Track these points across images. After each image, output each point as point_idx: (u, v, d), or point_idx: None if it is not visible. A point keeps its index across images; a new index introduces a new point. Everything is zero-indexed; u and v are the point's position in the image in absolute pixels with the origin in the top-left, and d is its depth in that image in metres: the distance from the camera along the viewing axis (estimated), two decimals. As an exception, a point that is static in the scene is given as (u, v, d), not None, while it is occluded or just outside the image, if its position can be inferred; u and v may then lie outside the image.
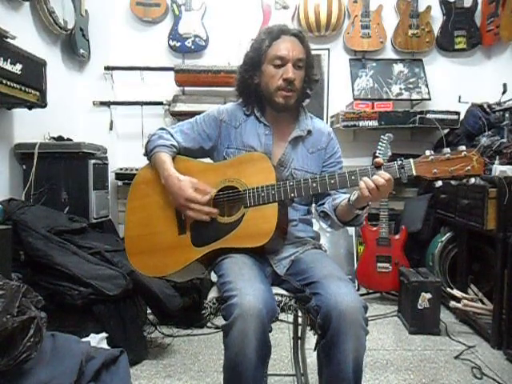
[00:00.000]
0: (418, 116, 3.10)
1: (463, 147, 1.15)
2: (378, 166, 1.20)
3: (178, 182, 1.34)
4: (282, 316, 1.31)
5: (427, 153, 1.18)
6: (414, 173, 1.17)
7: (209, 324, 2.46)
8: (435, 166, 1.16)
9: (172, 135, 1.47)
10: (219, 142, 1.48)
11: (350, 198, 1.29)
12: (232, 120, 1.48)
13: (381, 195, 1.19)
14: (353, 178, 1.23)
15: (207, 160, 1.51)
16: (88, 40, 3.16)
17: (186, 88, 3.43)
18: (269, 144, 1.43)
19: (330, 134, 1.51)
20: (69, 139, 2.70)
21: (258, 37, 1.44)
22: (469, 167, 1.13)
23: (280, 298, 1.31)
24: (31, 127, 2.51)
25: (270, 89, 1.40)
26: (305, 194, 1.29)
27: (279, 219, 1.27)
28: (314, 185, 1.27)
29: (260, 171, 1.32)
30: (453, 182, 1.18)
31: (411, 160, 1.18)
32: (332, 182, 1.25)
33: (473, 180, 1.16)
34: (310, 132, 1.47)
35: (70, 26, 2.85)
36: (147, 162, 1.50)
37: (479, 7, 3.40)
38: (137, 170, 1.54)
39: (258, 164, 1.34)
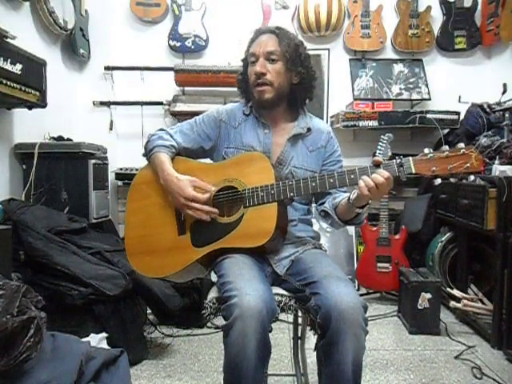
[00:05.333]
0: (418, 116, 3.10)
1: (462, 144, 1.16)
2: (377, 165, 1.21)
3: (177, 181, 1.35)
4: (282, 316, 1.31)
5: (426, 150, 1.19)
6: (413, 170, 1.18)
7: (209, 324, 2.46)
8: (434, 163, 1.16)
9: (171, 136, 1.48)
10: (219, 142, 1.49)
11: (349, 197, 1.29)
12: (231, 120, 1.49)
13: (380, 193, 1.19)
14: (352, 176, 1.23)
15: (207, 160, 1.51)
16: (88, 40, 3.15)
17: (186, 88, 3.44)
18: (268, 143, 1.43)
19: (330, 132, 1.52)
20: (69, 139, 2.70)
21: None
22: (468, 164, 1.13)
23: (280, 298, 1.31)
24: (31, 127, 2.51)
25: (251, 87, 1.44)
26: (304, 193, 1.28)
27: (279, 219, 1.27)
28: (313, 184, 1.26)
29: (259, 171, 1.32)
30: (452, 180, 1.19)
31: (410, 158, 1.18)
32: (331, 181, 1.25)
33: (472, 177, 1.17)
34: (309, 130, 1.47)
35: (70, 26, 2.84)
36: (147, 162, 1.50)
37: (479, 7, 3.40)
38: (137, 170, 1.53)
39: (257, 163, 1.34)
